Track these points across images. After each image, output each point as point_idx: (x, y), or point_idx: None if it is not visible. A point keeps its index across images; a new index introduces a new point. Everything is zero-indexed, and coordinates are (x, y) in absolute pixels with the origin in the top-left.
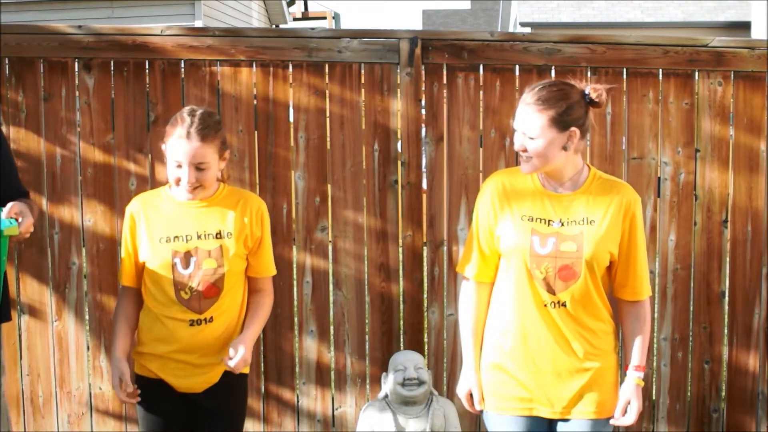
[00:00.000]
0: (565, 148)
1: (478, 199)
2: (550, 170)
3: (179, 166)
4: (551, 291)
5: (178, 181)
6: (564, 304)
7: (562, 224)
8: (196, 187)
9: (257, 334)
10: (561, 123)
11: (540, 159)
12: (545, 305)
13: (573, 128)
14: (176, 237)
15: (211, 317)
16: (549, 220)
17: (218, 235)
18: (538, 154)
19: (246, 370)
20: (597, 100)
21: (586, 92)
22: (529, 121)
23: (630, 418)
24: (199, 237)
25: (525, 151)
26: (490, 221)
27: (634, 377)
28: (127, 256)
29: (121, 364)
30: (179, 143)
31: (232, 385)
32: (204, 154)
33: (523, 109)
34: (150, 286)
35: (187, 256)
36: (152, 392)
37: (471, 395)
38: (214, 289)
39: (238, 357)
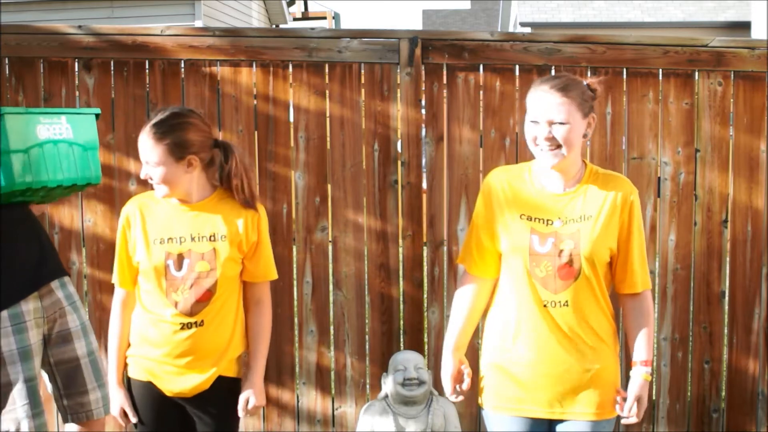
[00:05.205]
0: (585, 136)
1: (480, 193)
2: (565, 164)
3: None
4: (551, 290)
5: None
6: (564, 304)
7: (563, 223)
8: (158, 184)
9: (263, 364)
10: (583, 107)
11: (568, 147)
12: (545, 305)
13: (592, 114)
14: (170, 239)
15: (202, 321)
16: (548, 220)
17: (211, 238)
18: (568, 141)
19: (239, 374)
20: (596, 88)
21: (585, 84)
22: (556, 105)
23: (638, 415)
24: (192, 239)
25: (551, 140)
26: (489, 218)
27: (642, 373)
28: (121, 257)
29: (119, 394)
30: (140, 138)
31: (224, 389)
32: (156, 154)
33: (543, 97)
34: (143, 288)
35: (180, 258)
36: (143, 396)
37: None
38: (207, 292)
39: (251, 405)
